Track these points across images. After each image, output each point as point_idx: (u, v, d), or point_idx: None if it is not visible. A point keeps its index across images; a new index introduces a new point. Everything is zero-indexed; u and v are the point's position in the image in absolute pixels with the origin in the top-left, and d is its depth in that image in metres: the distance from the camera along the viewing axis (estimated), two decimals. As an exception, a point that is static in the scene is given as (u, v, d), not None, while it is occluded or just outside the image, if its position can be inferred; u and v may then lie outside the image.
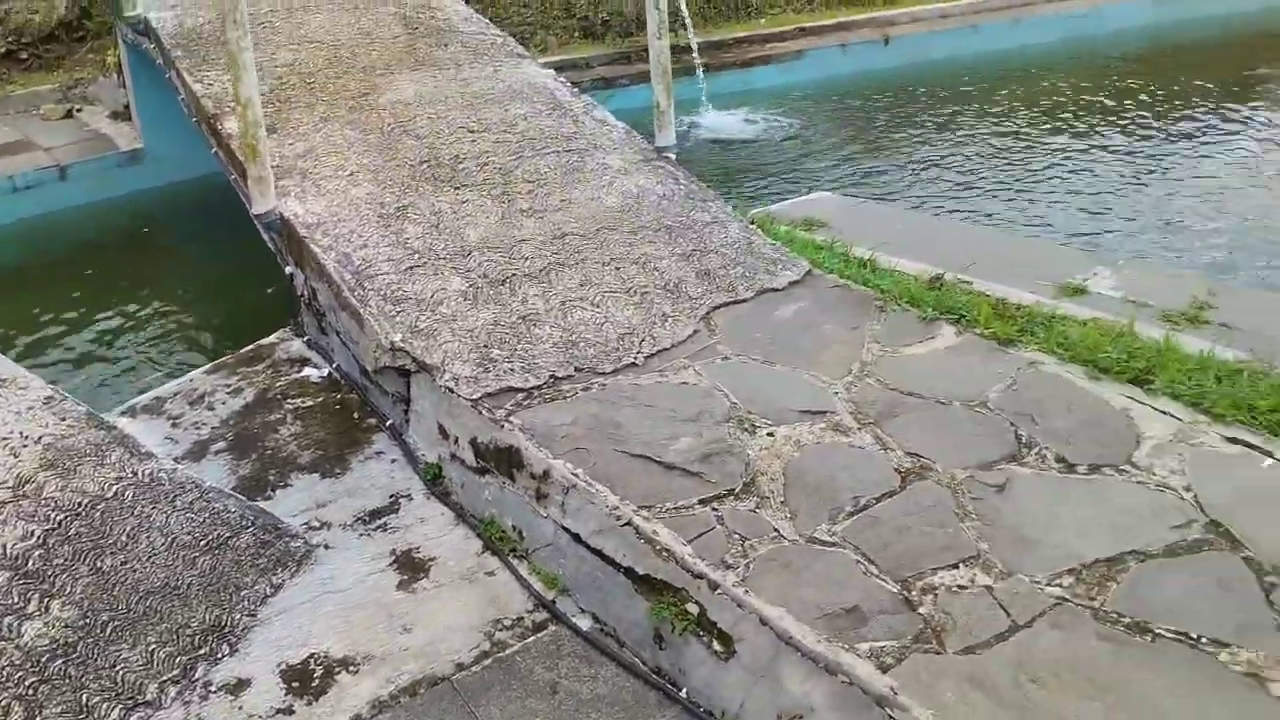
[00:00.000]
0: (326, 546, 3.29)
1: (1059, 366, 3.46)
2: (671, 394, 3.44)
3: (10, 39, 8.89)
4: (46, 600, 2.86)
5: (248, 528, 3.22)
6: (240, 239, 5.19)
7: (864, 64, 9.75)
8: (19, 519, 3.02)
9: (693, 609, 2.66)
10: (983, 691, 2.26)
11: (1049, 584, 2.56)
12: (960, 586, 2.57)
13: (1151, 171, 7.10)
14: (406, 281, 4.01)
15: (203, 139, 5.46)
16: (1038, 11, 10.46)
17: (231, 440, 3.91)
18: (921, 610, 2.51)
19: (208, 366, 4.52)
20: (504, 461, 3.27)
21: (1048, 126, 8.14)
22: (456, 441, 3.48)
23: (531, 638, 2.90)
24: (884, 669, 2.34)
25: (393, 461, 3.73)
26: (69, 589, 2.91)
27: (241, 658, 2.87)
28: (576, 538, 3.00)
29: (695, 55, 8.90)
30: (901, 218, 5.58)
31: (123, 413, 4.15)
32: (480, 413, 3.38)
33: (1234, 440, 3.03)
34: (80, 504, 3.12)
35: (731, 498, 2.94)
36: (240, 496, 3.40)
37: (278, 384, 4.28)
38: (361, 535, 3.35)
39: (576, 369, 3.58)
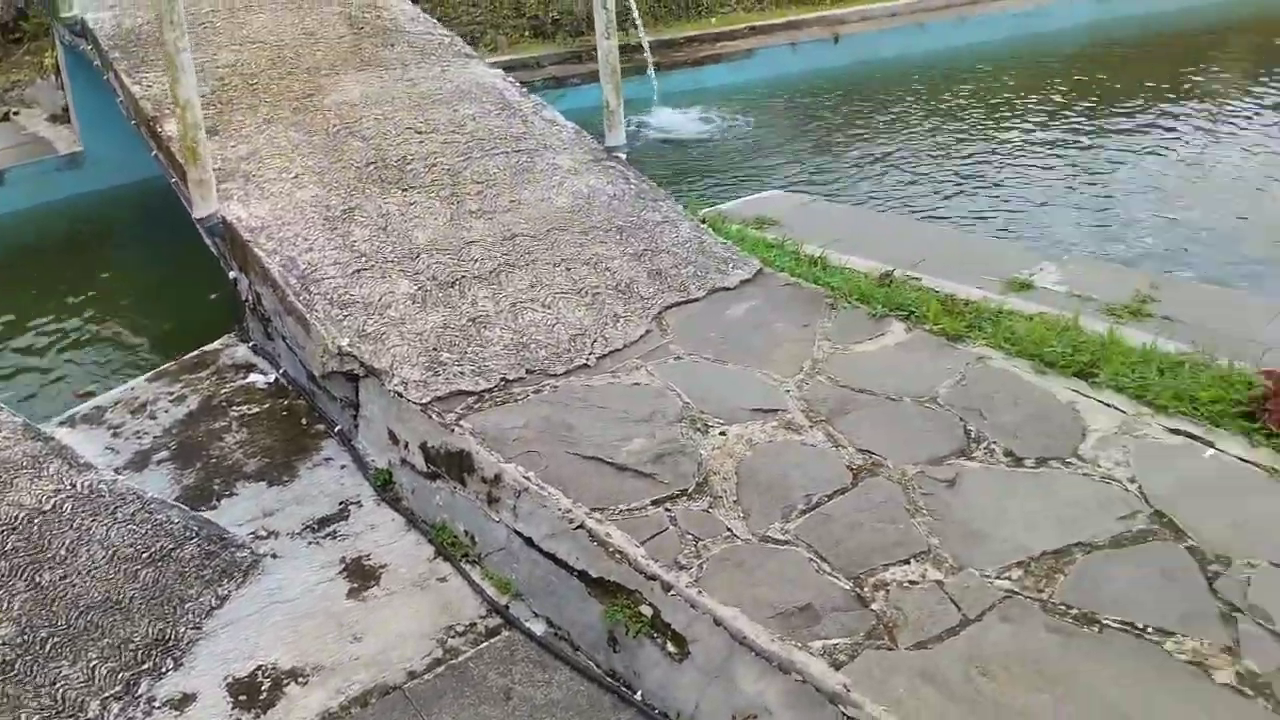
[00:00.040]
0: (274, 556, 3.23)
1: (1006, 361, 3.50)
2: (624, 395, 3.43)
3: (-56, 41, 8.68)
4: (-19, 618, 2.78)
5: (192, 539, 3.15)
6: (183, 243, 5.10)
7: (814, 62, 9.82)
8: (-48, 535, 2.94)
9: (646, 611, 2.65)
10: (934, 686, 2.28)
11: (998, 577, 2.58)
12: (911, 582, 2.59)
13: (1095, 168, 7.22)
14: (354, 285, 3.95)
15: (143, 142, 5.35)
16: (982, 10, 10.60)
17: (175, 449, 3.83)
18: (874, 607, 2.52)
19: (150, 374, 4.42)
20: (455, 466, 3.23)
21: (994, 123, 8.25)
22: (407, 446, 3.43)
23: (485, 644, 2.87)
24: (837, 666, 2.35)
25: (342, 468, 3.67)
26: (5, 605, 2.83)
27: (186, 672, 2.80)
28: (529, 542, 2.97)
29: (646, 54, 8.91)
30: (852, 216, 5.62)
31: (61, 423, 4.05)
32: (430, 417, 3.34)
33: (1176, 431, 3.09)
34: (17, 518, 3.04)
35: (684, 498, 2.93)
36: (184, 507, 3.33)
37: (222, 391, 4.20)
38: (310, 544, 3.30)
39: (528, 371, 3.56)
